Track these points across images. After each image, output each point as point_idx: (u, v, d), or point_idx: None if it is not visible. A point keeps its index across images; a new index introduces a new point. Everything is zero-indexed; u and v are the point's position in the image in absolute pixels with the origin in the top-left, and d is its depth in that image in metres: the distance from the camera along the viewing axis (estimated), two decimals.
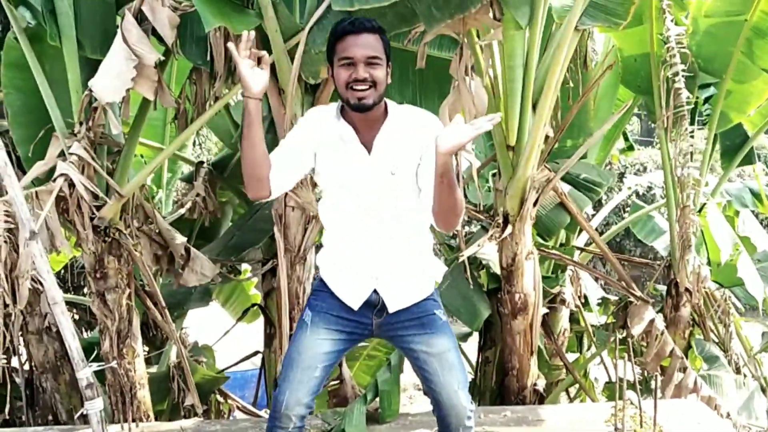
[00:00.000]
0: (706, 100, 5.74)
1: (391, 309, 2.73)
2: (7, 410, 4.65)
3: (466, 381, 2.79)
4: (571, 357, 6.39)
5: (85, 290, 4.97)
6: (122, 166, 4.36)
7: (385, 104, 2.65)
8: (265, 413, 6.10)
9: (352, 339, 2.83)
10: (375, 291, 2.72)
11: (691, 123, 5.33)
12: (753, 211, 7.07)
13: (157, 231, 4.58)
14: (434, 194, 2.51)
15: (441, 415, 2.80)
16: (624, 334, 5.27)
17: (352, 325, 2.77)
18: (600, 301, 6.87)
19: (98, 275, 4.28)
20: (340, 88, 2.56)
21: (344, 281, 2.77)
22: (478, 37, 4.41)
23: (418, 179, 2.65)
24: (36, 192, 3.94)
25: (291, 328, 4.58)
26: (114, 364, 4.23)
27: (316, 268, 3.01)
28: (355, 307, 2.74)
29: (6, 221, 3.92)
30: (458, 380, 2.76)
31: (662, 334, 5.14)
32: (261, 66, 2.49)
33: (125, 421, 3.95)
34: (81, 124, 4.08)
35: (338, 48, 2.54)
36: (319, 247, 4.85)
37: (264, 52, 2.49)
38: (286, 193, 4.44)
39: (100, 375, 4.42)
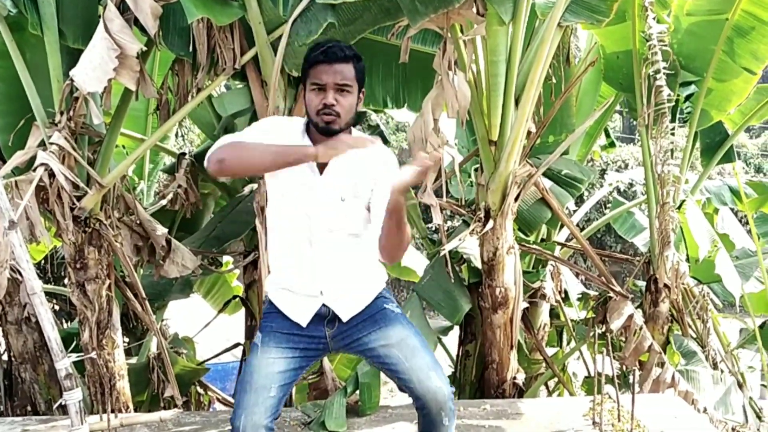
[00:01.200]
0: (687, 97, 5.77)
1: (345, 318, 2.73)
2: None
3: (435, 362, 2.72)
4: (550, 351, 6.44)
5: (65, 281, 4.94)
6: (103, 156, 4.35)
7: (350, 131, 2.71)
8: None
9: (307, 356, 2.78)
10: (324, 305, 2.71)
11: (672, 120, 5.37)
12: (732, 209, 7.13)
13: (138, 222, 4.57)
14: (383, 229, 2.55)
15: (419, 404, 2.71)
16: (603, 329, 5.31)
17: (306, 341, 2.74)
18: (580, 296, 6.92)
19: (78, 266, 4.26)
20: (310, 112, 2.63)
21: (290, 299, 2.75)
22: (462, 32, 4.42)
23: (370, 210, 2.69)
24: (16, 181, 3.92)
25: None
26: (93, 354, 4.21)
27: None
28: (304, 324, 2.72)
29: None
30: (426, 361, 2.69)
31: (641, 329, 5.18)
32: None
33: (104, 411, 3.93)
34: (62, 113, 4.06)
35: (311, 73, 2.61)
36: None
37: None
38: None
39: (79, 366, 4.45)
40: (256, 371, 2.67)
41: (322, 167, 2.66)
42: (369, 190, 2.67)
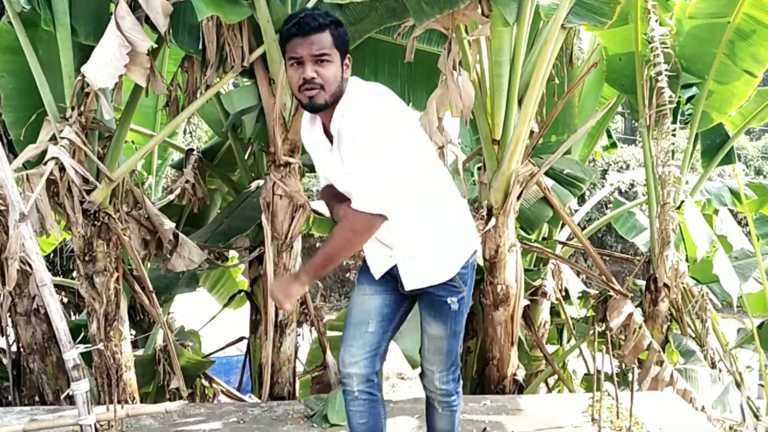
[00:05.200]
0: (689, 99, 5.81)
1: (406, 287, 2.75)
2: None
3: (449, 367, 2.89)
4: (551, 348, 6.47)
5: (74, 274, 5.00)
6: (113, 151, 4.40)
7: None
8: (249, 398, 6.16)
9: (399, 297, 2.83)
10: (395, 266, 2.74)
11: (673, 122, 5.41)
12: (731, 210, 7.16)
13: (146, 216, 4.61)
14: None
15: (423, 383, 2.96)
16: (603, 327, 5.35)
17: (393, 281, 2.79)
18: (580, 294, 6.95)
19: (87, 258, 4.31)
20: (293, 89, 2.53)
21: (369, 252, 2.81)
22: (467, 32, 4.47)
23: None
24: (27, 175, 3.96)
25: (276, 315, 4.64)
26: (101, 346, 4.25)
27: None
28: (377, 276, 2.77)
29: None
30: (440, 364, 2.86)
31: (640, 327, 5.22)
32: None
33: (111, 402, 3.97)
34: (73, 108, 4.10)
35: (287, 48, 2.50)
36: (306, 236, 4.93)
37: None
38: (274, 182, 4.50)
39: (87, 357, 4.49)
40: (354, 308, 2.81)
41: (331, 139, 2.60)
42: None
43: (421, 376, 2.98)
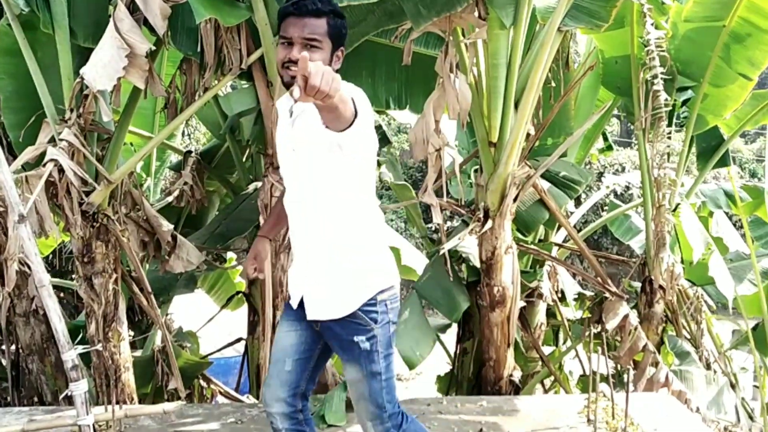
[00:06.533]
0: (684, 102, 5.82)
1: (308, 316, 2.58)
2: None
3: (378, 413, 2.60)
4: (547, 350, 6.49)
5: (73, 275, 5.01)
6: (112, 153, 4.41)
7: None
8: (246, 398, 6.18)
9: (317, 335, 2.67)
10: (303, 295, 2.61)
11: (669, 125, 5.43)
12: (726, 213, 7.18)
13: (144, 218, 4.63)
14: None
15: None
16: (599, 329, 5.35)
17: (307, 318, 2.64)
18: (576, 296, 6.96)
19: (86, 260, 4.32)
20: (278, 66, 2.45)
21: (290, 278, 2.72)
22: (464, 35, 4.50)
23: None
24: (26, 176, 3.96)
25: (274, 316, 4.65)
26: (99, 347, 4.26)
27: None
28: (294, 306, 2.65)
29: None
30: (366, 411, 2.62)
31: (636, 329, 5.24)
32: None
33: (109, 403, 3.99)
34: (72, 110, 4.11)
35: (282, 27, 2.43)
36: None
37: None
38: (272, 183, 4.52)
39: (85, 358, 4.51)
40: (274, 345, 2.72)
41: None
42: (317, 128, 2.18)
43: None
